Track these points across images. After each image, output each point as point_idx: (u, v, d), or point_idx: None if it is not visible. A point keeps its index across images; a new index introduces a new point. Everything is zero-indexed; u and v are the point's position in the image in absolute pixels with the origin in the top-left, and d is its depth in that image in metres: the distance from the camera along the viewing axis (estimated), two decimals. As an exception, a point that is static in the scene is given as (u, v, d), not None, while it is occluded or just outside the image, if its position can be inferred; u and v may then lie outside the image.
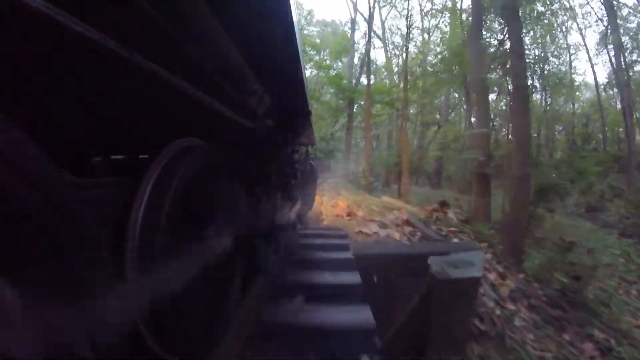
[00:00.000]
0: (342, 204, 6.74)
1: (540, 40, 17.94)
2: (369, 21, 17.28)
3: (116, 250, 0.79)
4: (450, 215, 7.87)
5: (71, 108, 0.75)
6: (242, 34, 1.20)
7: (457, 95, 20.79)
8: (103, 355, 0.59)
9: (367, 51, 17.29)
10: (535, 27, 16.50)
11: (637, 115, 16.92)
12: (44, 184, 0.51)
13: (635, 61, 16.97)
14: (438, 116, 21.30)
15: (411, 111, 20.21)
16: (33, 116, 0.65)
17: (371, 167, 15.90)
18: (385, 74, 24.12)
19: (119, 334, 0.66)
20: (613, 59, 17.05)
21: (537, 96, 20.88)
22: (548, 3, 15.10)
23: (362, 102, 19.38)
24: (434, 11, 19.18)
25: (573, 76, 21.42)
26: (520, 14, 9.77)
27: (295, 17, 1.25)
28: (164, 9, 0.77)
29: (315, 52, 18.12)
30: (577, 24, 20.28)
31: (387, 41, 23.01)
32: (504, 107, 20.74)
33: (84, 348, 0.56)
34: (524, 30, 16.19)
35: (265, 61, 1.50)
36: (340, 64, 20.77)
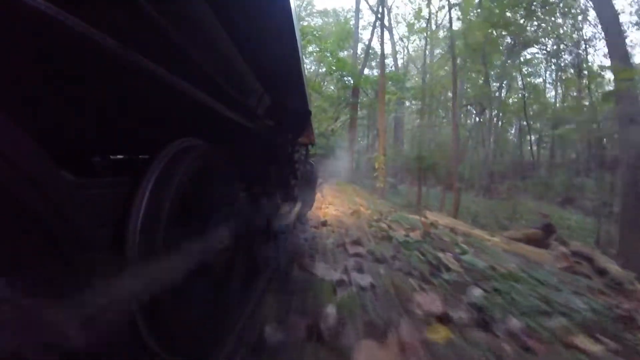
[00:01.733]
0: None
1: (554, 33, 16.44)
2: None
3: (116, 250, 0.79)
4: (605, 264, 3.53)
5: (71, 108, 0.75)
6: (242, 33, 1.20)
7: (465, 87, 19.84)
8: (102, 355, 0.59)
9: (381, 15, 15.17)
10: (549, 18, 15.08)
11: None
12: (44, 184, 0.51)
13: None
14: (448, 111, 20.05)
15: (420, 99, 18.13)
16: (33, 116, 0.65)
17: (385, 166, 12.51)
18: (392, 65, 23.44)
19: (118, 333, 0.66)
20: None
21: (551, 92, 19.93)
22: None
23: (367, 94, 18.52)
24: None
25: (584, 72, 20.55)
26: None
27: (295, 17, 1.25)
28: (164, 9, 0.77)
29: (315, 40, 16.57)
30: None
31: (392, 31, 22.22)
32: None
33: (83, 347, 0.56)
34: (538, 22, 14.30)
35: (265, 61, 1.50)
36: (342, 55, 19.90)
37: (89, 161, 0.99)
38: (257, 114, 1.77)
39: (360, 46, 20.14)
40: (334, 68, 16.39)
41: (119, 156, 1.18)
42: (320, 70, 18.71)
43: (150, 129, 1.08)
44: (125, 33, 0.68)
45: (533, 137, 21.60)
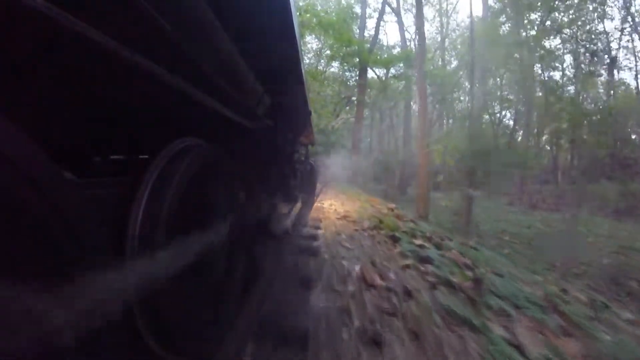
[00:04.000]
0: None
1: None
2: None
3: (116, 250, 0.79)
4: None
5: (71, 108, 0.75)
6: (242, 33, 1.20)
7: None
8: (102, 355, 0.59)
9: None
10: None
11: None
12: (44, 183, 0.51)
13: None
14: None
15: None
16: (33, 116, 0.65)
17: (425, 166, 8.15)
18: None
19: (118, 333, 0.66)
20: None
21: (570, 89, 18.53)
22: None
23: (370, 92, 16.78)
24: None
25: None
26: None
27: (295, 18, 1.25)
28: (164, 9, 0.77)
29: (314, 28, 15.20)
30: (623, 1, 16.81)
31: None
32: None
33: (83, 347, 0.56)
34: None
35: (265, 61, 1.50)
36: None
37: (89, 161, 1.00)
38: (257, 114, 1.77)
39: (365, 37, 19.34)
40: (337, 46, 14.50)
41: (119, 156, 1.18)
42: (320, 67, 18.21)
43: (150, 129, 1.08)
44: (126, 33, 0.68)
45: (546, 138, 20.83)
